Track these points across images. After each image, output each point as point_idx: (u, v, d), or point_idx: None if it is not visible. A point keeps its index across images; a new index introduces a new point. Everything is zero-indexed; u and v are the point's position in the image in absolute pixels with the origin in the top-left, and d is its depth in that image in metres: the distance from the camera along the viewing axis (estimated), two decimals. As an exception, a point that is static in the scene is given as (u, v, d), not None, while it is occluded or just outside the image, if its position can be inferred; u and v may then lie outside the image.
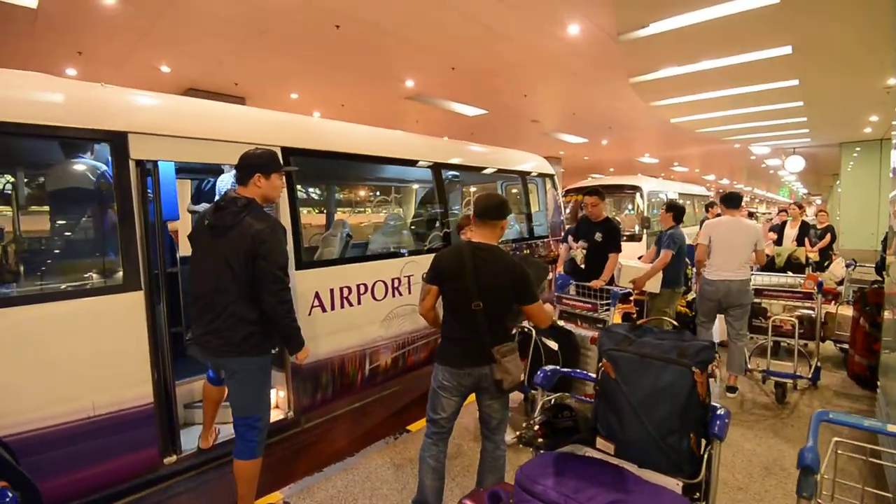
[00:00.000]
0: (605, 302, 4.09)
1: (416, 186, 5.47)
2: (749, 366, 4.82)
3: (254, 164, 2.40)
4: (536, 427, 1.48)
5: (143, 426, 2.62)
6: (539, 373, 1.85)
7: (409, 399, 4.61)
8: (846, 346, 5.14)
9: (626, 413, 1.50)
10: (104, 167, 2.71)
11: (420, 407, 4.28)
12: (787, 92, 8.73)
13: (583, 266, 4.46)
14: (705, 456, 1.48)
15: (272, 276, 2.31)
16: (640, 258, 5.78)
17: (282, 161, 3.14)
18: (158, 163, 2.70)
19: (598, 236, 4.43)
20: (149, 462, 2.67)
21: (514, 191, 6.41)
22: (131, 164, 2.58)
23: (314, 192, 5.54)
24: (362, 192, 5.86)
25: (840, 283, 6.11)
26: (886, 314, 3.80)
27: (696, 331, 5.19)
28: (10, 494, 1.02)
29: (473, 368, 2.37)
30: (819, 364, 4.67)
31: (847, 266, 6.10)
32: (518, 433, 1.49)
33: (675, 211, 4.95)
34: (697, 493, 1.50)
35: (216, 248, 2.33)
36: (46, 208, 2.65)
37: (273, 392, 3.50)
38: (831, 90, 8.83)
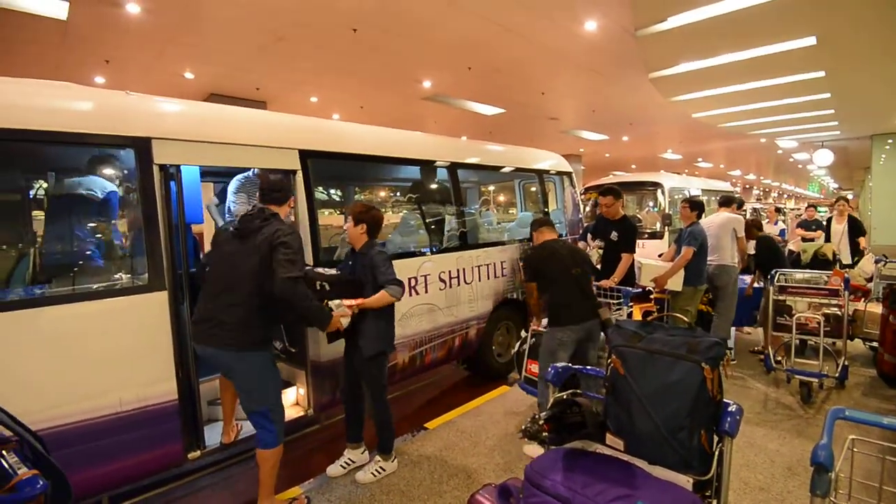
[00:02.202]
0: (616, 302, 4.05)
1: (434, 186, 5.50)
2: (774, 364, 4.73)
3: (289, 188, 2.87)
4: (542, 422, 1.49)
5: (168, 422, 2.70)
6: (550, 369, 1.85)
7: (428, 397, 4.66)
8: (875, 344, 4.97)
9: (635, 409, 1.50)
10: (129, 172, 2.81)
11: (439, 404, 4.33)
12: (812, 84, 8.47)
13: (598, 266, 4.42)
14: (716, 453, 1.47)
15: (288, 261, 2.43)
16: (660, 256, 5.71)
17: (298, 163, 3.28)
18: (182, 167, 2.79)
19: (613, 235, 4.40)
20: (173, 457, 2.76)
21: (532, 189, 6.39)
22: (155, 169, 2.68)
23: (333, 194, 5.62)
24: (380, 193, 5.91)
25: (870, 279, 5.92)
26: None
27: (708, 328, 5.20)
28: (41, 482, 1.08)
29: (585, 322, 3.25)
30: (847, 363, 4.54)
31: (877, 262, 5.89)
32: (523, 426, 1.50)
33: (697, 208, 4.86)
34: (708, 491, 1.49)
35: (237, 250, 2.52)
36: (75, 212, 2.76)
37: (293, 389, 3.59)
38: (859, 80, 8.53)
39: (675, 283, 4.64)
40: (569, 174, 6.07)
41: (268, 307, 2.52)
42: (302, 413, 3.41)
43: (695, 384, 1.45)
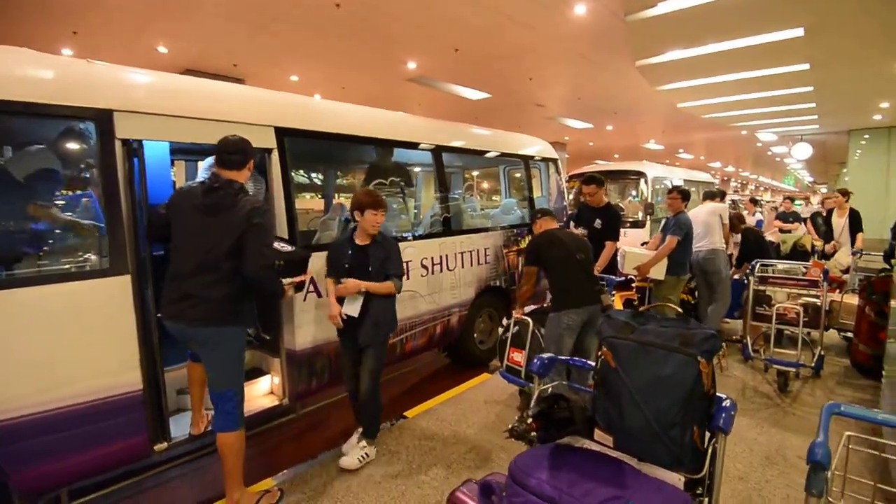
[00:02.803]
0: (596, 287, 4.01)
1: (416, 170, 5.35)
2: (752, 353, 4.77)
3: (250, 150, 2.55)
4: (530, 420, 1.41)
5: (132, 413, 2.56)
6: (535, 360, 1.77)
7: (407, 385, 4.58)
8: (850, 334, 5.06)
9: (626, 403, 1.43)
10: (89, 146, 2.62)
11: (418, 392, 4.25)
12: (796, 76, 8.53)
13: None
14: (709, 450, 1.40)
15: (264, 246, 2.42)
16: (643, 244, 5.69)
17: (274, 141, 3.11)
18: (147, 143, 2.61)
19: (597, 223, 4.34)
20: (138, 449, 2.62)
21: (517, 175, 6.30)
22: (117, 144, 2.49)
23: (311, 175, 5.42)
24: (361, 176, 5.74)
25: (846, 271, 6.01)
26: (893, 303, 3.72)
27: (699, 318, 5.22)
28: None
29: (589, 305, 3.27)
30: (823, 353, 4.60)
31: (853, 254, 5.98)
32: (510, 426, 1.42)
33: (685, 197, 4.84)
34: (700, 489, 1.43)
35: (208, 228, 2.38)
36: (29, 190, 2.56)
37: (267, 378, 3.46)
38: (842, 75, 8.62)
39: (658, 272, 4.62)
40: (554, 161, 5.98)
41: (247, 284, 2.46)
42: (276, 402, 3.29)
43: (689, 378, 1.38)
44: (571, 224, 4.63)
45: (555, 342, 3.23)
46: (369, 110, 4.05)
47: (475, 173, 7.36)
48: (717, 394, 1.47)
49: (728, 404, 1.43)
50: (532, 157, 5.68)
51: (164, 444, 2.73)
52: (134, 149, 2.54)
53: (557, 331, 3.24)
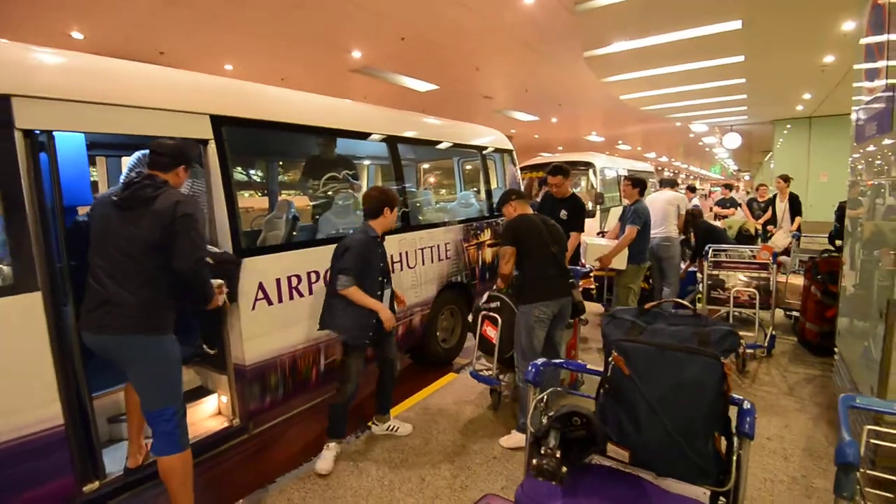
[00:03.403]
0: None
1: (368, 162, 5.06)
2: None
3: (183, 153, 2.32)
4: (553, 451, 1.22)
5: (53, 453, 2.17)
6: (530, 368, 1.59)
7: (368, 391, 4.30)
8: (796, 313, 5.30)
9: (643, 414, 1.28)
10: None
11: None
12: (732, 68, 8.90)
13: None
14: (734, 458, 1.28)
15: (195, 240, 2.17)
16: (601, 234, 5.71)
17: (211, 131, 2.75)
18: (57, 134, 2.21)
19: (563, 214, 4.25)
20: (64, 493, 2.23)
21: (469, 167, 6.14)
22: (17, 135, 2.08)
23: (253, 169, 4.98)
24: (308, 170, 5.36)
25: (784, 252, 6.32)
26: (842, 283, 3.87)
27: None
28: None
29: (561, 298, 3.15)
30: (774, 333, 4.77)
31: (794, 237, 6.29)
32: (534, 463, 1.22)
33: (639, 185, 4.85)
34: (723, 500, 1.30)
35: (127, 225, 2.11)
36: None
37: (214, 397, 3.10)
38: (773, 67, 9.07)
39: (620, 262, 4.61)
40: (509, 152, 5.87)
41: (173, 285, 2.20)
42: (226, 424, 2.95)
43: (713, 382, 1.25)
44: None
45: (526, 335, 3.09)
46: (318, 97, 3.73)
47: (427, 166, 7.13)
48: (733, 395, 1.34)
49: (749, 406, 1.31)
50: (486, 148, 5.53)
51: (96, 484, 2.35)
52: (40, 142, 2.13)
53: (529, 323, 3.09)
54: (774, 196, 7.28)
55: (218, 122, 2.79)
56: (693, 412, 1.23)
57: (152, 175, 2.19)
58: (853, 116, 3.24)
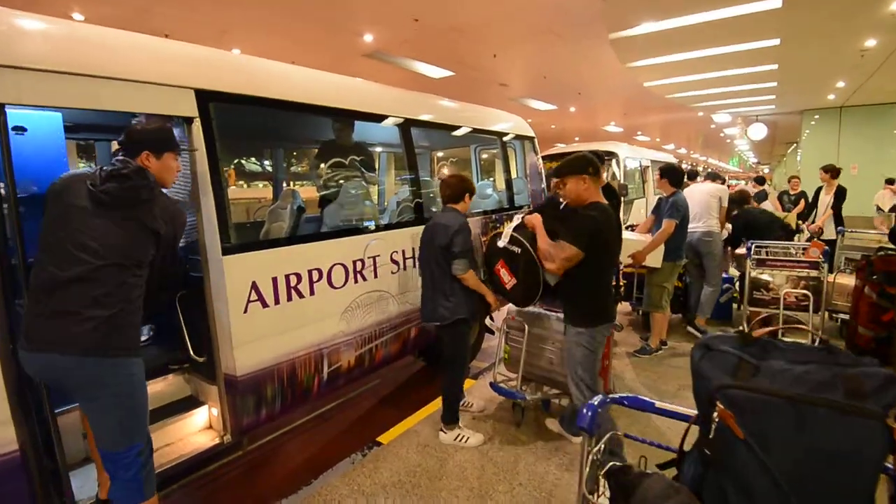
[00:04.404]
0: None
1: (379, 149, 4.68)
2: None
3: (144, 139, 1.95)
4: None
5: (7, 483, 1.85)
6: (583, 410, 1.20)
7: (377, 399, 3.97)
8: (844, 316, 4.84)
9: (764, 495, 0.88)
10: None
11: (393, 408, 3.65)
12: (765, 53, 8.33)
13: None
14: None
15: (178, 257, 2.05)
16: (629, 228, 5.27)
17: (196, 108, 2.38)
18: (35, 116, 1.89)
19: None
20: (20, 528, 1.91)
21: (492, 154, 5.75)
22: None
23: (245, 154, 4.58)
24: (314, 154, 4.96)
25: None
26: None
27: (688, 300, 5.11)
28: None
29: (614, 319, 2.67)
30: (825, 338, 4.32)
31: (838, 232, 5.81)
32: None
33: (671, 175, 4.41)
34: None
35: (107, 224, 1.78)
36: None
37: (203, 409, 2.76)
38: (809, 51, 8.49)
39: (655, 259, 4.19)
40: (531, 139, 5.46)
41: (149, 298, 1.92)
42: (216, 440, 2.61)
43: (875, 454, 0.85)
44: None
45: (591, 369, 2.55)
46: (323, 74, 3.35)
47: (443, 153, 6.73)
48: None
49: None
50: (509, 135, 5.11)
51: (62, 513, 2.03)
52: (-8, 117, 1.78)
53: (593, 352, 2.54)
54: (816, 189, 6.77)
55: (205, 97, 2.42)
56: (844, 495, 0.84)
57: (142, 170, 1.86)
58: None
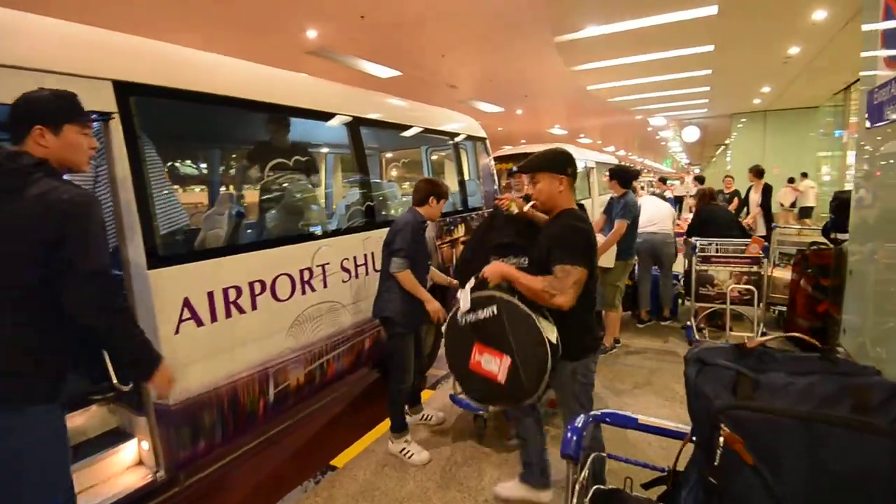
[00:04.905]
0: None
1: (329, 148, 4.43)
2: (697, 337, 4.63)
3: (34, 110, 1.49)
4: None
5: None
6: (567, 435, 1.09)
7: (331, 419, 3.72)
8: (781, 308, 5.10)
9: (777, 528, 0.79)
10: None
11: (347, 427, 3.43)
12: (700, 58, 8.75)
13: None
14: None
15: (91, 273, 1.44)
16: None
17: (115, 103, 2.09)
18: None
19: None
20: None
21: (437, 157, 5.63)
22: None
23: (173, 155, 4.11)
24: (251, 155, 4.61)
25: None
26: (847, 276, 3.59)
27: (637, 297, 5.27)
28: None
29: None
30: (765, 329, 4.52)
31: (772, 228, 6.13)
32: None
33: (621, 176, 4.46)
34: None
35: None
36: None
37: (132, 443, 2.44)
38: (740, 58, 8.99)
39: (608, 259, 4.21)
40: (483, 140, 5.38)
41: (63, 324, 1.48)
42: (148, 478, 2.31)
43: (890, 472, 0.77)
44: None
45: (589, 396, 2.15)
46: (266, 68, 3.10)
47: (391, 154, 6.54)
48: None
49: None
50: (460, 135, 5.01)
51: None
52: None
53: (589, 380, 2.14)
54: (747, 189, 7.19)
55: (125, 90, 2.14)
56: (864, 526, 0.76)
57: (19, 152, 1.44)
58: (866, 95, 2.92)
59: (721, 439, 0.82)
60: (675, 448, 1.06)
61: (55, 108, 1.51)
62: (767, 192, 6.89)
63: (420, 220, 2.90)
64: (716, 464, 0.83)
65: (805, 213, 11.26)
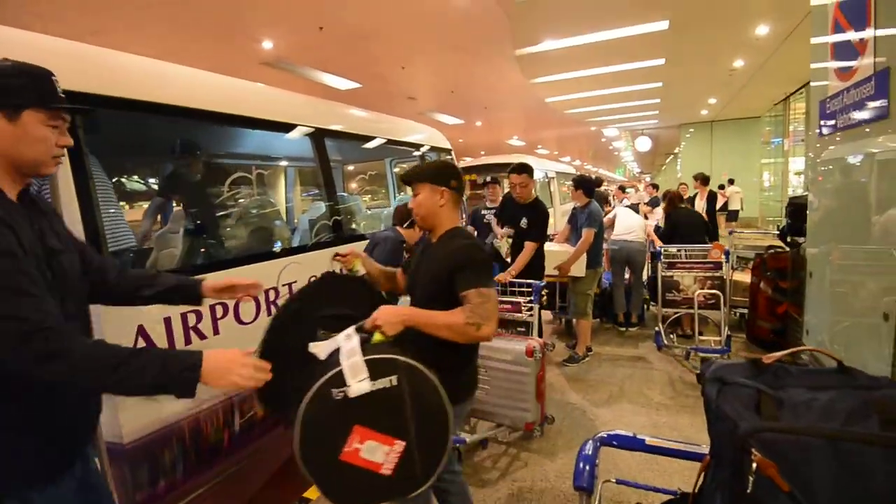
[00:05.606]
0: (527, 300, 3.33)
1: (292, 162, 4.26)
2: (666, 342, 4.71)
3: None
4: None
5: None
6: (579, 465, 1.01)
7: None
8: (743, 310, 5.26)
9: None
10: None
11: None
12: (652, 72, 9.11)
13: (508, 259, 3.76)
14: None
15: (19, 332, 1.03)
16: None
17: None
18: None
19: (523, 222, 3.75)
20: None
21: (400, 170, 5.54)
22: None
23: (121, 170, 3.79)
24: (214, 170, 4.36)
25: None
26: (808, 278, 3.73)
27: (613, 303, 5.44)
28: None
29: None
30: (729, 332, 4.65)
31: (729, 233, 6.38)
32: None
33: (585, 186, 4.52)
34: None
35: None
36: None
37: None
38: (689, 70, 9.43)
39: (579, 269, 4.25)
40: (448, 151, 5.34)
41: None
42: (98, 528, 2.07)
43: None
44: (494, 223, 4.00)
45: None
46: (217, 76, 2.93)
47: (354, 167, 6.40)
48: None
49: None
50: (423, 147, 4.95)
51: None
52: None
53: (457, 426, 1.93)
54: (695, 195, 7.57)
55: (69, 100, 1.94)
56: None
57: None
58: (818, 106, 3.06)
59: (754, 465, 0.77)
60: (669, 463, 1.01)
61: (17, 85, 1.15)
62: (712, 198, 7.24)
63: (400, 238, 2.89)
64: (750, 489, 0.78)
65: (732, 216, 11.95)
